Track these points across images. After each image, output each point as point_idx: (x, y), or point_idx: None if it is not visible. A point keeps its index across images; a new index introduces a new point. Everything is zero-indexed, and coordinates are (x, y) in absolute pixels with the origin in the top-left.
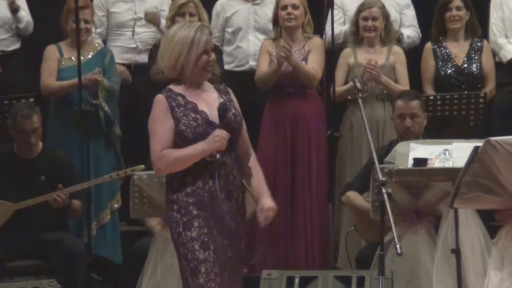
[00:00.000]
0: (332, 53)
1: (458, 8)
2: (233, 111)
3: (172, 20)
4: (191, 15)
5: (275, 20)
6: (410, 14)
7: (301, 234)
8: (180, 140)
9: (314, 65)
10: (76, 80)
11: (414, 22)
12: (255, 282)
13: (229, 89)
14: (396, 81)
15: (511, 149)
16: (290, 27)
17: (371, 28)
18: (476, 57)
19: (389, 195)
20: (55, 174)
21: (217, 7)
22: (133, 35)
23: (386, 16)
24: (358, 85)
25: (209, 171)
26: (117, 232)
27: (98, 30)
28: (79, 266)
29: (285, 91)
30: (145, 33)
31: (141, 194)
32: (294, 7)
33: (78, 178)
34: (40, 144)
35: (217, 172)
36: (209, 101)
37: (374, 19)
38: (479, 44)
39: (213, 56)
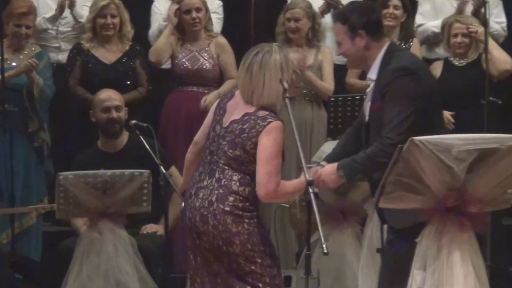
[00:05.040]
0: None
1: (395, 7)
2: None
3: (93, 21)
4: (112, 16)
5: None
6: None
7: None
8: None
9: (229, 68)
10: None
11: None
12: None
13: None
14: (321, 79)
15: (434, 149)
16: (197, 31)
17: (294, 29)
18: None
19: (315, 194)
20: None
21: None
22: (57, 33)
23: (312, 16)
24: (285, 85)
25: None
26: (40, 230)
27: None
28: (2, 266)
29: (187, 90)
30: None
31: (66, 194)
32: (198, 10)
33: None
34: None
35: None
36: None
37: (297, 20)
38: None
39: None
